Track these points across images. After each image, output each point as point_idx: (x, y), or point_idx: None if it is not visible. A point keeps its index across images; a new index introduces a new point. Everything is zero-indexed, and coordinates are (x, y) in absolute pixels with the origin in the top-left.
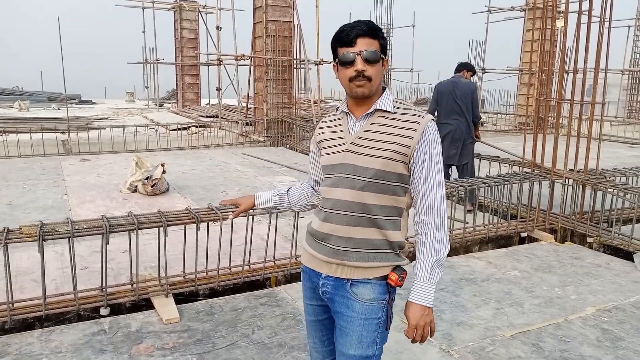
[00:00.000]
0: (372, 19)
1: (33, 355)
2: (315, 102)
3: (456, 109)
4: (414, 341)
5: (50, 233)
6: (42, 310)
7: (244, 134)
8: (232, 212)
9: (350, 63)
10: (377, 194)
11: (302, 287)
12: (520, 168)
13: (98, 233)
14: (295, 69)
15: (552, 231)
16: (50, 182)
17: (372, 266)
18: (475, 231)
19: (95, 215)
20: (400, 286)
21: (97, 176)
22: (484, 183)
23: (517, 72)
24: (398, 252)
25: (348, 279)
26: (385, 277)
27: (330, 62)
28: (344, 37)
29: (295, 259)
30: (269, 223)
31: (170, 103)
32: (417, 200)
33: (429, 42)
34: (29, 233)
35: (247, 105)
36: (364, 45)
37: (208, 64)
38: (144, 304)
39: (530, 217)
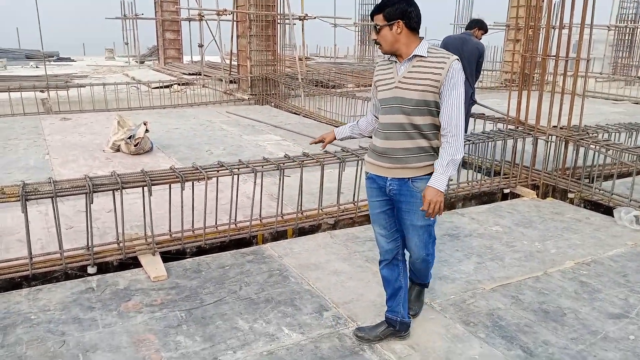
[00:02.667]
0: None
1: (21, 313)
2: (300, 59)
3: None
4: (427, 214)
5: (33, 193)
6: (28, 270)
7: (228, 92)
8: (217, 170)
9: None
10: (420, 116)
11: (367, 190)
12: (505, 125)
13: (81, 193)
14: (279, 25)
15: (535, 187)
16: (31, 142)
17: (426, 164)
18: (459, 188)
19: (78, 175)
20: None
21: (78, 135)
22: (469, 140)
23: (504, 27)
24: (437, 153)
25: (409, 178)
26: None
27: (314, 18)
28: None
29: (282, 217)
30: (254, 182)
31: (151, 60)
32: (442, 116)
33: None
34: (12, 193)
35: (230, 62)
36: (375, 20)
37: (189, 19)
38: (132, 263)
39: (513, 173)
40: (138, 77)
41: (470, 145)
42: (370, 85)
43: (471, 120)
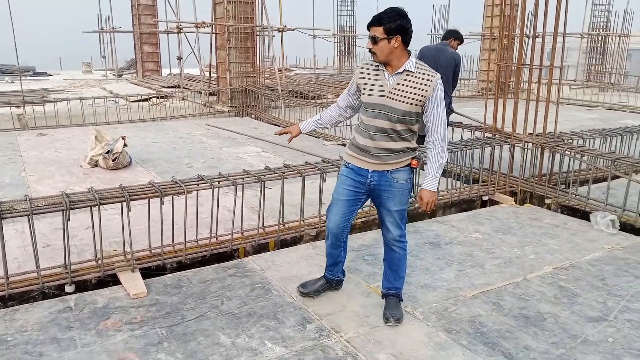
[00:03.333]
0: None
1: None
2: (280, 71)
3: None
4: (425, 212)
5: (9, 211)
6: (4, 290)
7: (208, 104)
8: (197, 184)
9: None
10: (402, 123)
11: (340, 177)
12: (482, 133)
13: (58, 210)
14: (258, 37)
15: (513, 194)
16: (6, 159)
17: (402, 160)
18: (439, 196)
19: (55, 191)
20: (417, 167)
21: (55, 151)
22: (448, 149)
23: (480, 37)
24: (414, 151)
25: (390, 171)
26: (409, 164)
27: (293, 29)
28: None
29: (264, 229)
30: (235, 195)
31: (129, 73)
32: (429, 127)
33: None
34: None
35: (209, 74)
36: (373, 32)
37: (167, 32)
38: (110, 280)
39: (491, 181)
40: (116, 90)
41: (449, 154)
42: None
43: (449, 128)
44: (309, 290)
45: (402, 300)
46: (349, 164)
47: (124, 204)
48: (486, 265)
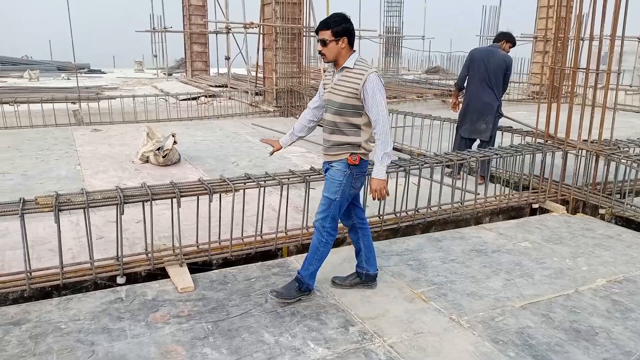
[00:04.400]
0: None
1: (52, 322)
2: (325, 71)
3: (486, 80)
4: (374, 198)
5: (66, 204)
6: (59, 279)
7: (254, 104)
8: (244, 183)
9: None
10: (339, 115)
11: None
12: (533, 139)
13: (113, 204)
14: (304, 37)
15: (564, 202)
16: (63, 153)
17: (340, 153)
18: (486, 202)
19: (109, 185)
20: (353, 164)
21: (109, 146)
22: (497, 154)
23: (532, 39)
24: (355, 147)
25: (330, 161)
26: (346, 159)
27: None
28: (316, 30)
29: (307, 229)
30: (280, 194)
31: (179, 72)
32: (371, 118)
33: (442, 8)
34: (45, 204)
35: (256, 74)
36: (321, 35)
37: (216, 32)
38: (159, 273)
39: (542, 188)
40: (166, 89)
41: (498, 159)
42: (395, 97)
43: (498, 133)
44: (340, 282)
45: (300, 289)
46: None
47: (174, 200)
48: (536, 276)
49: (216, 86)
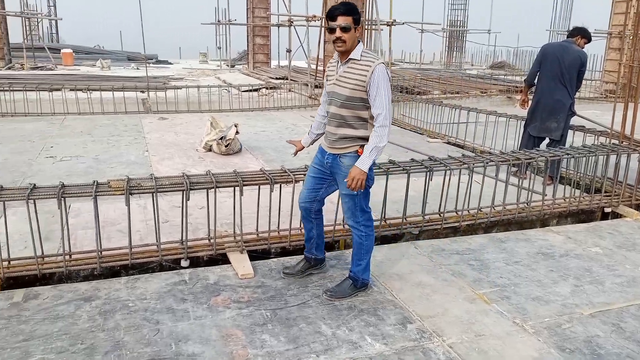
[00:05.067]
0: None
1: (120, 300)
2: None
3: (559, 77)
4: (348, 186)
5: (136, 188)
6: (128, 260)
7: (313, 96)
8: (304, 174)
9: (333, 31)
10: (346, 109)
11: (315, 156)
12: (607, 139)
13: (179, 190)
14: (366, 30)
15: (639, 207)
16: (132, 139)
17: (348, 146)
18: (554, 204)
19: (174, 172)
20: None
21: (174, 134)
22: (568, 154)
23: (606, 35)
24: (363, 140)
25: (338, 154)
26: (356, 152)
27: (402, 23)
28: (329, 14)
29: None
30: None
31: (241, 64)
32: (373, 110)
33: (510, 2)
34: (117, 187)
35: (316, 67)
36: (342, 20)
37: (279, 25)
38: (220, 259)
39: (615, 191)
40: (229, 80)
41: (570, 159)
42: (458, 93)
43: (570, 132)
44: (290, 271)
45: (356, 287)
46: (320, 145)
47: (237, 188)
48: (606, 283)
49: (277, 78)
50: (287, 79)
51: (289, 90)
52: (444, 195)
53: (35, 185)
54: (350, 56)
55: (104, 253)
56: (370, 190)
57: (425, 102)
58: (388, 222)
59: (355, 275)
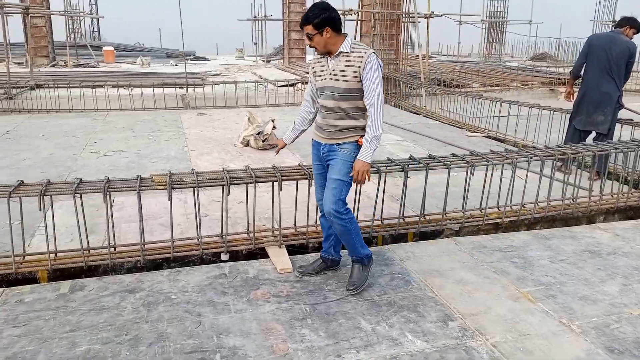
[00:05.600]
0: None
1: (163, 292)
2: (423, 58)
3: (607, 69)
4: (355, 181)
5: (178, 182)
6: (170, 253)
7: None
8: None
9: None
10: (345, 101)
11: (312, 154)
12: None
13: (219, 184)
14: (403, 23)
15: None
16: (171, 134)
17: (348, 136)
18: (601, 200)
19: (213, 166)
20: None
21: (212, 130)
22: (617, 149)
23: None
24: (362, 130)
25: (337, 143)
26: (356, 141)
27: (440, 15)
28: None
29: (403, 219)
30: (378, 182)
31: (276, 59)
32: (365, 100)
33: None
34: (160, 182)
35: None
36: (306, 30)
37: None
38: (259, 253)
39: None
40: (265, 75)
41: (618, 153)
42: (497, 85)
43: (618, 125)
44: (305, 270)
45: (365, 265)
46: (313, 140)
47: (276, 183)
48: None
49: None
50: None
51: None
52: (486, 191)
53: (81, 180)
54: (340, 49)
55: (147, 246)
56: (397, 183)
57: (464, 96)
58: (427, 218)
59: (358, 257)
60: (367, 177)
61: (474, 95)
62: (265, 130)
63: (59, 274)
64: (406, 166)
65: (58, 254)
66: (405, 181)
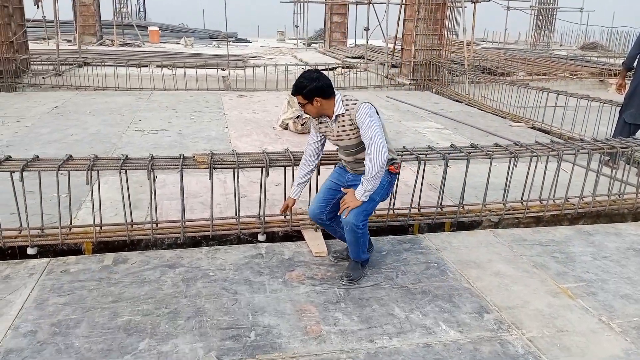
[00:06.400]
0: None
1: (202, 269)
2: (467, 44)
3: None
4: (341, 207)
5: (219, 162)
6: (209, 231)
7: (389, 76)
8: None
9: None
10: (362, 150)
11: (333, 173)
12: None
13: (259, 166)
14: (449, 8)
15: None
16: (212, 115)
17: None
18: None
19: (252, 148)
20: (395, 172)
21: (252, 112)
22: None
23: None
24: (390, 160)
25: (360, 173)
26: (388, 169)
27: (488, 0)
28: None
29: (441, 208)
30: (418, 170)
31: (317, 43)
32: (365, 144)
33: None
34: (202, 161)
35: (394, 46)
36: (297, 99)
37: (357, 3)
38: (295, 235)
39: None
40: (305, 59)
41: None
42: (545, 74)
43: None
44: (340, 254)
45: (363, 265)
46: (340, 165)
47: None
48: None
49: (353, 57)
50: (363, 58)
51: (365, 70)
52: (529, 183)
53: (127, 156)
54: (336, 113)
55: (187, 224)
56: (435, 171)
57: (509, 84)
58: (466, 208)
59: (357, 259)
60: (349, 211)
61: (519, 84)
62: (304, 114)
63: (103, 247)
64: (447, 154)
65: (103, 227)
66: (445, 170)
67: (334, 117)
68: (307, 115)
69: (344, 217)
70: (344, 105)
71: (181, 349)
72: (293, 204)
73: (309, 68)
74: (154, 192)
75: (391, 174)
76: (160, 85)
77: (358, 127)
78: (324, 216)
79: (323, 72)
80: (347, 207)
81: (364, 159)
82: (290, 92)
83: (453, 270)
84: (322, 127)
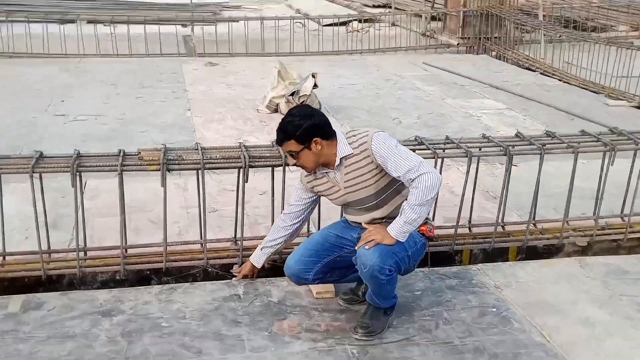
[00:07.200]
0: None
1: (150, 317)
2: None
3: None
4: (363, 238)
5: (176, 161)
6: (162, 262)
7: (428, 33)
8: (414, 149)
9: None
10: (387, 203)
11: (336, 224)
12: None
13: (234, 166)
14: None
15: None
16: (169, 92)
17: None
18: None
19: (226, 139)
20: (431, 237)
21: (226, 87)
22: None
23: None
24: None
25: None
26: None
27: None
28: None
29: (503, 227)
30: (467, 170)
31: None
32: (402, 175)
33: None
34: (151, 160)
35: None
36: (286, 148)
37: None
38: None
39: None
40: (305, 9)
41: None
42: None
43: None
44: (353, 295)
45: (386, 313)
46: (348, 221)
47: None
48: None
49: (374, 6)
50: (390, 7)
51: (392, 25)
52: (633, 190)
53: (42, 153)
54: (340, 156)
55: (129, 251)
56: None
57: (604, 44)
58: (539, 226)
59: (383, 304)
60: (374, 242)
61: (620, 43)
62: (302, 90)
63: (7, 285)
64: (510, 148)
65: (7, 258)
66: (508, 170)
67: (337, 162)
68: (307, 93)
69: (364, 250)
70: (349, 144)
71: None
72: (253, 274)
73: (310, 22)
74: (81, 206)
75: (423, 236)
76: (93, 49)
77: (377, 164)
78: (309, 276)
79: (329, 26)
80: (373, 239)
81: (385, 218)
82: (280, 60)
83: (519, 318)
84: (317, 184)
